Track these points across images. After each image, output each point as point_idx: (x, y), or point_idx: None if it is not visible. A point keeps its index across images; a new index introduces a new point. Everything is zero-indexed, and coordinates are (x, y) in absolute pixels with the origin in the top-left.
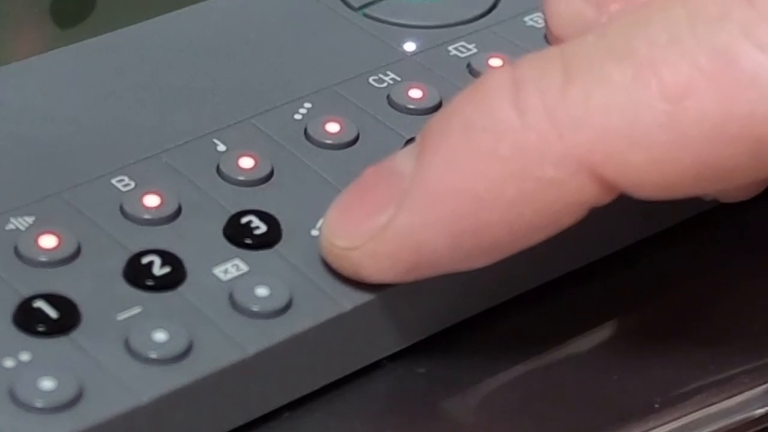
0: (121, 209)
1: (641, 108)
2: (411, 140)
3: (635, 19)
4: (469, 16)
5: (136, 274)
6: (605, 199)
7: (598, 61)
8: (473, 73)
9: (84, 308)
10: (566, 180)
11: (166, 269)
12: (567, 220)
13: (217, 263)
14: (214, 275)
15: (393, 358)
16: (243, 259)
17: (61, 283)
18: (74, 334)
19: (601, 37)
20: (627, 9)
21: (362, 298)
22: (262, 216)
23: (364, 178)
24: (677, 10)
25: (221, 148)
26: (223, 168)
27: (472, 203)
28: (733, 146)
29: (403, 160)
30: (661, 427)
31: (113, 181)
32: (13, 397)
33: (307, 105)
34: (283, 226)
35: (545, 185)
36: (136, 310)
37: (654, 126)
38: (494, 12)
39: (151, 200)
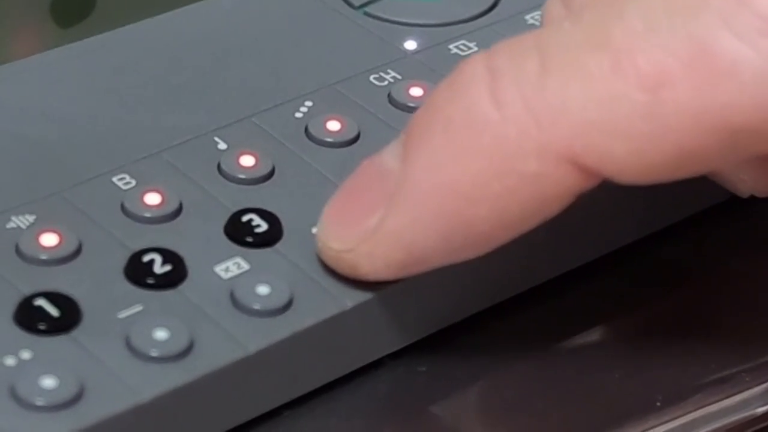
0: (122, 207)
1: (619, 99)
2: None
3: (611, 5)
4: (470, 14)
5: (137, 272)
6: (589, 185)
7: (574, 50)
8: None
9: (85, 306)
10: (549, 172)
11: (167, 267)
12: (555, 207)
13: (218, 261)
14: (215, 273)
15: (394, 356)
16: (244, 258)
17: (62, 281)
18: (75, 333)
19: (576, 25)
20: None
21: (363, 296)
22: (263, 214)
23: (354, 179)
24: None
25: (222, 146)
26: (223, 166)
27: (458, 200)
28: (712, 135)
29: (390, 158)
30: (662, 426)
31: (114, 180)
32: (14, 396)
33: (308, 103)
34: (283, 224)
35: (529, 178)
36: (137, 308)
37: (632, 117)
38: (495, 10)
39: (152, 198)
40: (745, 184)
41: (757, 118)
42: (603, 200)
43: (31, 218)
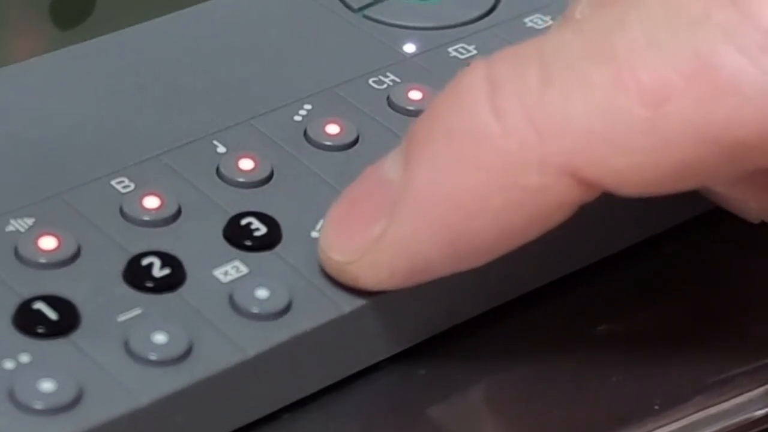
0: (121, 211)
1: (621, 113)
2: None
3: (613, 15)
4: (469, 17)
5: (135, 275)
6: (591, 196)
7: (576, 61)
8: None
9: (84, 310)
10: (551, 185)
11: (166, 271)
12: (557, 218)
13: (217, 265)
14: (213, 277)
15: (392, 359)
16: (243, 261)
17: (60, 284)
18: (74, 336)
19: (578, 35)
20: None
21: (362, 300)
22: (262, 218)
23: (355, 188)
24: (655, 7)
25: (221, 149)
26: (222, 169)
27: (459, 212)
28: (713, 150)
29: (391, 167)
30: (661, 429)
31: (113, 183)
32: (13, 399)
33: (307, 106)
34: (282, 227)
35: (531, 191)
36: (136, 311)
37: (634, 132)
38: (494, 13)
39: (151, 202)
40: (754, 209)
41: (758, 134)
42: (602, 204)
43: (29, 221)
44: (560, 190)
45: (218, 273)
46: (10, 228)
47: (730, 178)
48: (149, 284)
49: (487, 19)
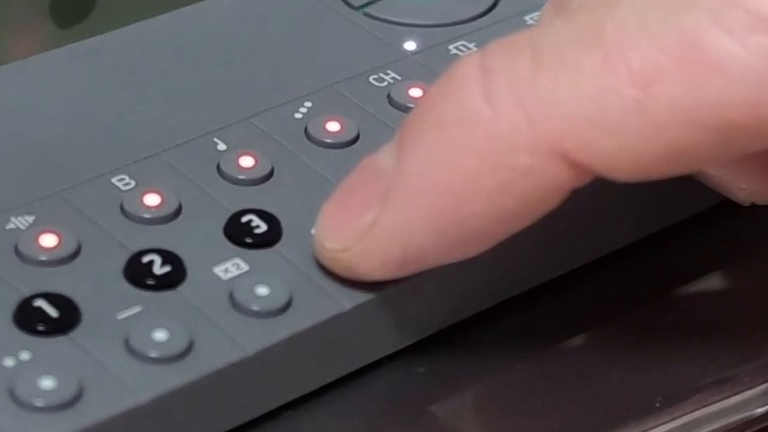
0: (122, 208)
1: (610, 95)
2: None
3: (603, 3)
4: (470, 15)
5: (136, 273)
6: (583, 180)
7: (566, 47)
8: None
9: (84, 307)
10: (541, 167)
11: (167, 268)
12: (548, 203)
13: (218, 262)
14: (214, 274)
15: (393, 357)
16: (243, 258)
17: (61, 282)
18: (74, 334)
19: (569, 22)
20: None
21: (362, 297)
22: (263, 215)
23: (350, 179)
24: None
25: (221, 147)
26: (223, 167)
27: (452, 197)
28: (702, 131)
29: (385, 157)
30: (662, 426)
31: (113, 180)
32: (14, 397)
33: (308, 104)
34: (283, 225)
35: (522, 174)
36: (137, 309)
37: (623, 113)
38: (494, 11)
39: (152, 199)
40: (744, 192)
41: (746, 115)
42: (602, 201)
43: (30, 219)
44: (551, 172)
45: (219, 270)
46: (10, 225)
47: (721, 161)
48: (150, 282)
49: (487, 16)
